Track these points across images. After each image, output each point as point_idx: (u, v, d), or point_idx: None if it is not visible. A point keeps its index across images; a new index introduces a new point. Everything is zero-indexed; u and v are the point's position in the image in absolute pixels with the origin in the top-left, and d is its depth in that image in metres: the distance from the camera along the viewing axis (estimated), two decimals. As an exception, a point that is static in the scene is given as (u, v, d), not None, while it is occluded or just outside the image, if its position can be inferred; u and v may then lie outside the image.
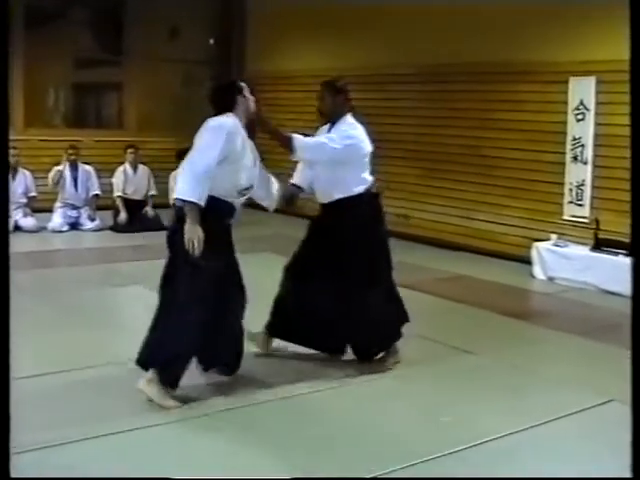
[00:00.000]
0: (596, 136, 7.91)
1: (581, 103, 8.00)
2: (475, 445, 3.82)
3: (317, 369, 4.91)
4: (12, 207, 9.27)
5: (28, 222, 9.91)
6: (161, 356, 4.19)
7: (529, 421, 4.13)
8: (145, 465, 3.58)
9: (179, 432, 3.95)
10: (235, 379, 4.57)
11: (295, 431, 4.03)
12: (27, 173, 10.20)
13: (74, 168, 10.43)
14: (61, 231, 10.05)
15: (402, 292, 4.86)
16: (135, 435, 3.89)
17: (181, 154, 11.14)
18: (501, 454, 3.77)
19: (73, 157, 10.37)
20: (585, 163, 7.99)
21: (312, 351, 5.08)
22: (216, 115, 4.25)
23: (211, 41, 13.37)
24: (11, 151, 8.60)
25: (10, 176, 9.16)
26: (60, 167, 10.23)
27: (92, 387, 4.50)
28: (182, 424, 4.03)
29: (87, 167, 10.56)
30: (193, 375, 4.42)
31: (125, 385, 4.33)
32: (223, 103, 4.32)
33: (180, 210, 4.13)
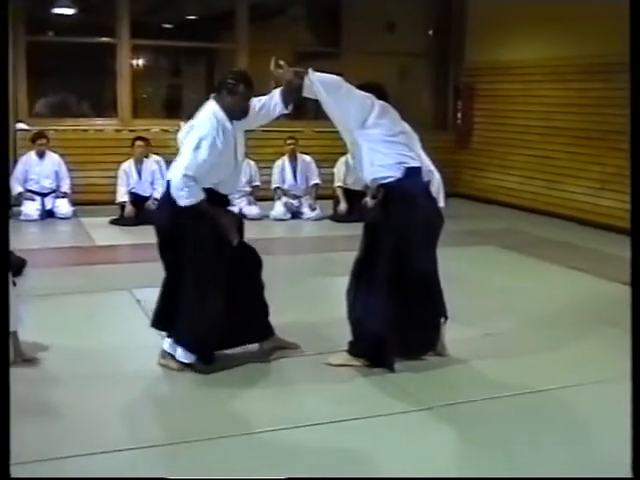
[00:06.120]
0: None
1: None
2: None
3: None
4: (236, 195, 9.65)
5: (252, 210, 10.33)
6: None
7: None
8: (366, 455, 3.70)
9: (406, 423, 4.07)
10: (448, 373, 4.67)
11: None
12: (252, 163, 10.58)
13: (293, 159, 10.79)
14: (283, 219, 10.44)
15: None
16: (357, 424, 4.03)
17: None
18: None
19: (292, 147, 10.72)
20: None
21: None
22: None
23: (430, 32, 13.39)
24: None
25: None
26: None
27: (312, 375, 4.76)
28: (407, 416, 4.13)
29: (306, 157, 10.88)
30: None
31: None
32: None
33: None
